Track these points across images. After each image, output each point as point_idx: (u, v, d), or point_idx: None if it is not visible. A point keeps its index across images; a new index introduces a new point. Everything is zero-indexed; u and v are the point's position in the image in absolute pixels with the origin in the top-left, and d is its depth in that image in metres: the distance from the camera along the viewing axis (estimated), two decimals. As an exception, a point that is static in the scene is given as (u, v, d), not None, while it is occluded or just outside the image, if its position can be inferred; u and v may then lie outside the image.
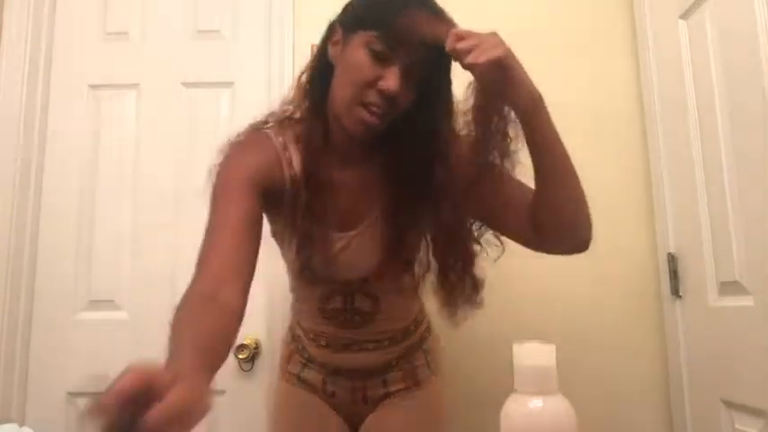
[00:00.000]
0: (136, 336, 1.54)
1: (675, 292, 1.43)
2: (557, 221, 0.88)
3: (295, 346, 1.13)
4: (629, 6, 1.64)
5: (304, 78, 0.95)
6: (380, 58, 0.83)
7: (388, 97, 0.83)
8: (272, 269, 1.54)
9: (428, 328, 1.16)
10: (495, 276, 1.55)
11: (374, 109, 0.84)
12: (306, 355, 1.11)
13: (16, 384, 1.52)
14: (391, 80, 0.82)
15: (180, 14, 1.71)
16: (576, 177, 0.86)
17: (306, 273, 0.97)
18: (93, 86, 1.68)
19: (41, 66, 1.66)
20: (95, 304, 1.57)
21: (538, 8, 1.66)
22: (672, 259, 1.44)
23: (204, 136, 1.58)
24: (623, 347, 1.50)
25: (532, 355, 0.60)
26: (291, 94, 0.97)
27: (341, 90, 0.87)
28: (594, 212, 1.53)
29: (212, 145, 1.00)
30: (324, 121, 0.91)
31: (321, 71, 0.91)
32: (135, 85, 1.67)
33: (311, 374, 1.10)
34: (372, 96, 0.84)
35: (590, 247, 1.50)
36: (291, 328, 1.16)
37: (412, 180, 0.90)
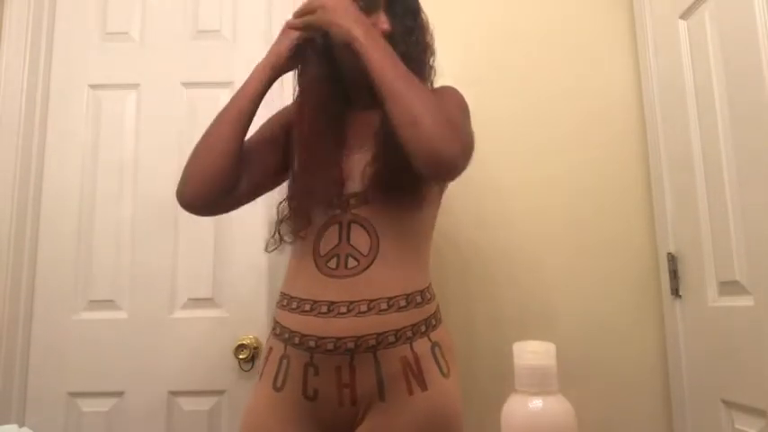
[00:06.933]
0: (136, 336, 1.54)
1: (675, 291, 1.43)
2: (401, 140, 0.92)
3: (274, 335, 1.04)
4: (629, 6, 1.64)
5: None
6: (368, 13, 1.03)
7: (387, 37, 1.01)
8: (274, 270, 1.56)
9: (438, 316, 1.04)
10: (496, 276, 1.56)
11: None
12: (285, 336, 0.99)
13: (16, 384, 1.52)
14: (383, 23, 1.04)
15: (180, 14, 1.71)
16: (407, 101, 0.91)
17: (301, 188, 1.05)
18: (93, 86, 1.68)
19: (41, 66, 1.66)
20: (95, 304, 1.57)
21: (538, 8, 1.67)
22: (672, 259, 1.44)
23: (204, 136, 1.59)
24: (623, 347, 1.50)
25: (532, 354, 0.60)
26: None
27: None
28: (595, 212, 1.56)
29: (212, 145, 1.02)
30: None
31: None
32: (135, 85, 1.67)
33: (292, 368, 0.98)
34: None
35: (589, 247, 1.53)
36: (275, 317, 1.07)
37: None
